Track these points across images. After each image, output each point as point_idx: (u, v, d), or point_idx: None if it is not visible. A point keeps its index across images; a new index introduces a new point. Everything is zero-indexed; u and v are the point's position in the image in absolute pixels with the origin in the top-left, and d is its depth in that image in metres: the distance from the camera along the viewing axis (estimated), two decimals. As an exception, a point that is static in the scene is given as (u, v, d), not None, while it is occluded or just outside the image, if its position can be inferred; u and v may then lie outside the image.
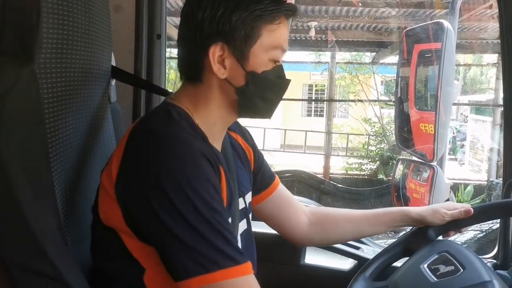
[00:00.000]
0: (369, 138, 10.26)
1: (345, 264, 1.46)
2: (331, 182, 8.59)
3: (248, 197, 1.09)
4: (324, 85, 12.68)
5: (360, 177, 9.64)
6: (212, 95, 0.93)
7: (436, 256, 1.04)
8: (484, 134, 10.90)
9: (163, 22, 1.48)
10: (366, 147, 10.26)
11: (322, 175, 9.42)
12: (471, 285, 0.91)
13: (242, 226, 1.03)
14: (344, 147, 11.12)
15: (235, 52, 0.90)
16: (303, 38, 8.37)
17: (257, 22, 0.89)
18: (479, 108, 13.92)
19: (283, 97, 1.00)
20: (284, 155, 11.22)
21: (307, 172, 8.60)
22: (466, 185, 8.58)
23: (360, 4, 6.39)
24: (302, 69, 12.04)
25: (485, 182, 8.86)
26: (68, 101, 0.94)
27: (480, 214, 1.14)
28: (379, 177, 9.16)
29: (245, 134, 1.15)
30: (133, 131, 0.88)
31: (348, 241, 1.37)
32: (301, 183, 8.02)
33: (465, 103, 15.26)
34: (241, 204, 1.03)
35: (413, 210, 1.19)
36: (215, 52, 0.89)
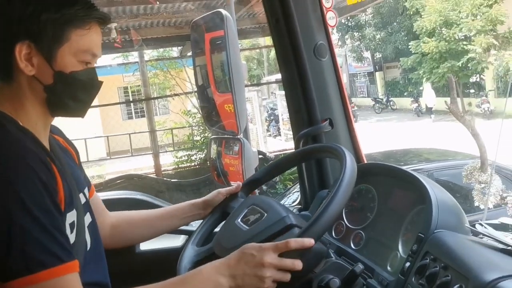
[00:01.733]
0: (192, 129, 10.54)
1: (177, 241, 1.58)
2: (164, 178, 8.66)
3: (86, 192, 1.13)
4: (139, 85, 12.54)
5: (192, 168, 9.88)
6: (24, 93, 0.95)
7: (246, 210, 1.22)
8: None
9: None
10: (191, 138, 10.52)
11: (155, 174, 9.41)
12: (273, 223, 1.10)
13: (87, 219, 1.07)
14: (171, 143, 11.24)
15: (43, 51, 0.93)
16: (107, 41, 8.17)
17: (66, 26, 0.93)
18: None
19: (100, 103, 1.05)
20: (112, 162, 10.89)
21: (138, 174, 8.53)
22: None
23: (156, 2, 6.49)
24: (113, 72, 11.73)
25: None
26: None
27: (279, 166, 1.36)
28: (208, 165, 9.51)
29: (65, 137, 1.18)
30: None
31: (148, 240, 1.40)
32: (135, 186, 7.91)
33: (271, 81, 16.62)
34: (82, 199, 1.06)
35: (200, 199, 1.36)
36: (21, 49, 0.91)
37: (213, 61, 2.24)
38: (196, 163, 9.99)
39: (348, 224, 1.37)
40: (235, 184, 1.37)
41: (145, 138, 11.09)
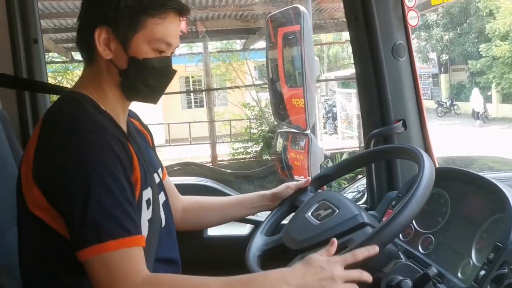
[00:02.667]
0: (250, 122, 10.65)
1: (244, 230, 1.62)
2: (220, 169, 8.81)
3: (160, 172, 1.19)
4: (201, 76, 12.80)
5: (247, 160, 10.01)
6: (103, 76, 1.01)
7: (317, 205, 1.24)
8: (351, 104, 11.91)
9: (37, 27, 1.48)
10: (248, 131, 10.64)
11: (211, 164, 9.60)
12: (346, 220, 1.11)
13: (161, 198, 1.13)
14: (228, 134, 11.41)
15: (119, 37, 0.98)
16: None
17: (142, 13, 0.98)
18: (344, 82, 15.14)
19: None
20: (171, 150, 11.19)
21: (195, 162, 8.71)
22: (342, 153, 9.37)
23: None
24: (176, 62, 11.76)
25: (358, 148, 9.74)
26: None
27: (351, 163, 1.37)
28: (264, 158, 9.59)
29: (141, 120, 1.25)
30: (44, 121, 0.94)
31: (217, 225, 1.45)
32: (191, 174, 8.11)
33: (331, 78, 16.41)
34: (157, 179, 1.13)
35: (269, 191, 1.39)
36: (100, 34, 0.98)
37: (284, 55, 2.27)
38: (251, 156, 10.11)
39: (417, 228, 1.36)
40: (305, 179, 1.39)
41: (203, 128, 11.33)
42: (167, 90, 1.11)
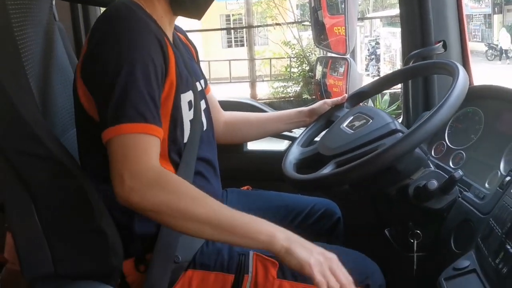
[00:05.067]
0: (290, 60, 10.54)
1: (281, 146, 1.71)
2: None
3: (202, 82, 1.26)
4: (241, 14, 12.62)
5: (286, 99, 10.01)
6: None
7: (352, 117, 1.30)
8: (395, 44, 11.53)
9: None
10: (288, 70, 10.56)
11: (250, 102, 9.67)
12: (378, 128, 1.17)
13: (203, 104, 1.21)
14: (268, 73, 11.36)
15: None
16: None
17: None
18: (389, 22, 14.58)
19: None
20: (211, 87, 11.28)
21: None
22: (383, 95, 9.20)
23: None
24: (217, -1, 11.86)
25: (400, 89, 9.51)
26: (22, 14, 1.04)
27: (387, 80, 1.41)
28: (303, 97, 9.57)
29: (187, 36, 1.31)
30: (96, 22, 1.02)
31: (256, 139, 1.52)
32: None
33: (376, 16, 15.84)
34: (199, 87, 1.20)
35: (306, 107, 1.46)
36: None
37: (326, -17, 2.25)
38: (291, 95, 10.09)
39: (449, 144, 1.40)
40: (341, 96, 1.45)
41: (243, 67, 11.31)
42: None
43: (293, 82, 10.33)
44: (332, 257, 0.91)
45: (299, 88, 10.16)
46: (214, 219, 0.90)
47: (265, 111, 1.70)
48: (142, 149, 0.92)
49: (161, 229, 1.04)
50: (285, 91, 10.33)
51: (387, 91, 9.59)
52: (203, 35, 12.96)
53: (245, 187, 1.48)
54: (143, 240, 1.06)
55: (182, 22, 1.22)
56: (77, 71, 1.02)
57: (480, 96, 1.38)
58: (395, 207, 1.20)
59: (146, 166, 0.91)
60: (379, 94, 9.11)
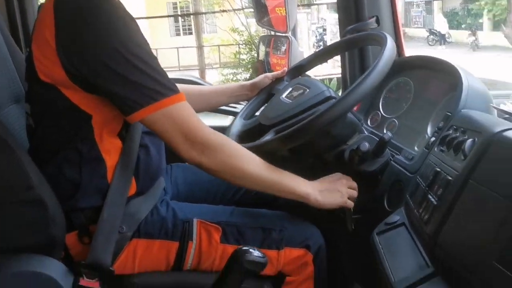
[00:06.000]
0: (239, 47, 10.55)
1: (226, 121, 1.74)
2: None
3: None
4: (188, 1, 12.47)
5: (236, 86, 10.01)
6: None
7: (291, 89, 1.35)
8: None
9: None
10: (238, 56, 10.57)
11: (199, 90, 9.62)
12: (314, 96, 1.22)
13: None
14: (217, 61, 11.33)
15: None
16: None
17: None
18: (336, 8, 14.83)
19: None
20: (159, 76, 11.12)
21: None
22: (330, 79, 9.41)
23: None
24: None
25: (346, 74, 9.72)
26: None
27: (324, 53, 1.47)
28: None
29: None
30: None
31: (200, 112, 1.54)
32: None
33: (323, 2, 16.06)
34: None
35: (248, 81, 1.51)
36: None
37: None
38: (241, 82, 10.09)
39: (383, 113, 1.48)
40: (281, 70, 1.49)
41: (192, 56, 11.22)
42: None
43: (243, 68, 10.36)
44: (346, 183, 1.19)
45: (248, 74, 10.19)
46: (264, 179, 1.10)
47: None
48: (193, 114, 1.04)
49: (105, 201, 1.06)
50: (235, 78, 10.35)
51: (334, 76, 9.85)
52: (150, 23, 12.71)
53: None
54: (87, 212, 1.07)
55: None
56: (49, 53, 0.98)
57: (410, 67, 1.46)
58: (333, 172, 1.26)
59: (208, 130, 1.05)
60: (327, 78, 9.34)
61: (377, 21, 1.60)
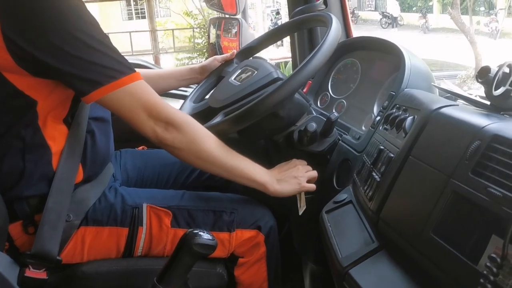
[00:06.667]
0: (193, 31, 10.41)
1: (177, 106, 1.71)
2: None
3: None
4: (140, -16, 12.14)
5: (192, 70, 9.90)
6: None
7: (239, 71, 1.34)
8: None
9: None
10: (192, 40, 10.44)
11: (155, 74, 9.45)
12: (262, 77, 1.22)
13: None
14: (172, 45, 11.14)
15: None
16: None
17: None
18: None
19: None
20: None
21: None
22: (286, 63, 9.45)
23: None
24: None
25: (301, 57, 9.80)
26: None
27: (273, 35, 1.47)
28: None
29: None
30: None
31: None
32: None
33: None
34: None
35: (197, 64, 1.51)
36: None
37: None
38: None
39: (332, 95, 1.50)
40: (230, 52, 1.48)
41: (146, 40, 10.97)
42: None
43: (198, 53, 10.25)
44: (302, 168, 1.20)
45: (204, 58, 10.08)
46: (225, 163, 1.10)
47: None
48: (154, 92, 1.03)
49: (51, 189, 1.03)
50: (190, 62, 10.23)
51: (290, 59, 9.90)
52: (100, 6, 12.33)
53: (141, 147, 1.48)
54: (32, 200, 1.03)
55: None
56: None
57: (357, 48, 1.49)
58: (284, 153, 1.27)
59: (172, 108, 1.04)
60: (283, 62, 9.39)
61: (325, 3, 1.61)
